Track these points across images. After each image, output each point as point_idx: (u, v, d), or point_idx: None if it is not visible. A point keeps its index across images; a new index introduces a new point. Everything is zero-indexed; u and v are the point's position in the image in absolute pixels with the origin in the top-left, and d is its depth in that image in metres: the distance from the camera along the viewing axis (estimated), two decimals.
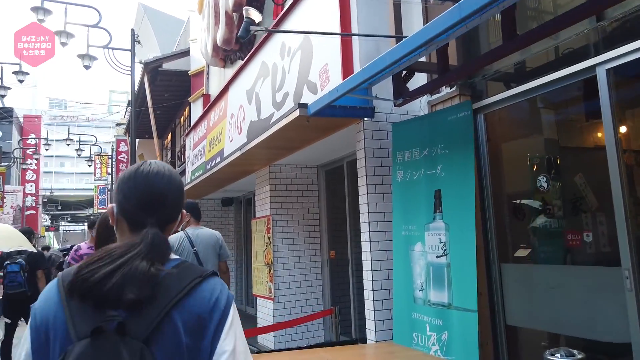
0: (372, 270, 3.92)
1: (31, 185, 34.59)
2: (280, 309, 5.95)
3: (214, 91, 9.35)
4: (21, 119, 35.89)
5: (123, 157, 23.03)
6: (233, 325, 1.01)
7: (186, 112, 13.94)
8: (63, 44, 10.37)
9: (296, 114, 3.76)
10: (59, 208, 46.56)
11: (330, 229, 6.31)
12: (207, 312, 0.98)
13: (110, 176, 27.41)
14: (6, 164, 29.69)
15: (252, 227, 6.78)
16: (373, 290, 3.92)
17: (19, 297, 5.86)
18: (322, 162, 6.32)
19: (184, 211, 1.17)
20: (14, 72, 14.00)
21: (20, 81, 14.03)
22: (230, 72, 8.40)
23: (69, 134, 20.84)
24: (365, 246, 4.02)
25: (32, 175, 34.75)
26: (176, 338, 0.94)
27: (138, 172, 1.09)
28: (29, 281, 6.04)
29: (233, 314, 1.02)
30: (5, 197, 18.98)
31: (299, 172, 6.38)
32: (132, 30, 11.48)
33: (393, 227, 3.87)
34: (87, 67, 10.96)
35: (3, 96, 13.64)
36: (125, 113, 21.76)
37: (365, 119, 3.99)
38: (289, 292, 6.04)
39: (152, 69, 11.66)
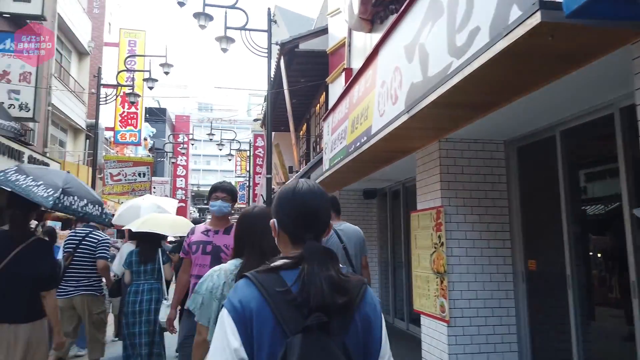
0: None
1: (181, 180, 37.59)
2: (458, 335, 4.32)
3: (357, 64, 8.02)
4: (173, 119, 39.25)
5: (260, 152, 23.26)
6: (385, 328, 1.20)
7: (322, 98, 12.97)
8: (201, 27, 9.98)
9: (535, 19, 2.11)
10: (205, 202, 50.40)
11: (527, 229, 4.50)
12: (373, 314, 1.17)
13: (248, 173, 28.21)
14: (161, 159, 32.50)
15: (411, 223, 5.25)
16: None
17: None
18: (514, 134, 4.53)
19: (330, 223, 1.30)
20: (160, 65, 14.45)
21: (166, 73, 14.41)
22: (377, 36, 6.98)
23: (211, 129, 21.56)
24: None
25: (182, 171, 37.75)
26: (358, 335, 1.12)
27: (295, 192, 1.26)
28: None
29: (383, 318, 1.21)
30: (154, 188, 20.20)
31: (480, 149, 4.67)
32: (269, 9, 10.75)
33: None
34: (224, 50, 10.49)
35: (151, 88, 14.09)
36: (263, 108, 21.89)
37: None
38: (468, 313, 4.38)
39: (288, 50, 10.81)
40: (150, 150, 27.49)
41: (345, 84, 8.16)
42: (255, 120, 24.44)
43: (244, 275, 1.18)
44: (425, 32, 4.60)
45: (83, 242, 5.11)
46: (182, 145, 27.51)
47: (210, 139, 21.61)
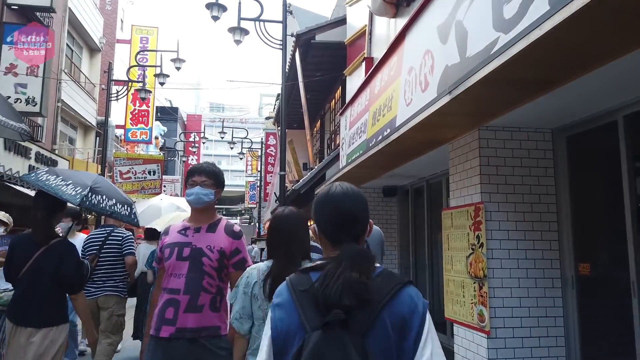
0: None
1: None
2: (500, 348, 3.82)
3: (378, 53, 7.55)
4: (185, 119, 39.06)
5: (271, 151, 22.87)
6: (430, 330, 1.16)
7: (338, 93, 12.52)
8: (214, 18, 9.59)
9: None
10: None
11: (578, 228, 3.99)
12: (409, 314, 1.15)
13: (259, 173, 27.84)
14: (172, 158, 32.33)
15: (442, 221, 4.76)
16: None
17: None
18: (563, 122, 4.02)
19: (371, 221, 1.33)
20: (172, 60, 14.10)
21: (178, 68, 14.06)
22: (402, 21, 6.51)
23: (222, 127, 21.22)
24: None
25: None
26: (386, 335, 1.12)
27: (329, 196, 1.30)
28: None
29: (429, 320, 1.17)
30: (165, 186, 19.90)
31: (524, 138, 4.17)
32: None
33: None
34: (237, 42, 10.08)
35: (162, 83, 13.76)
36: (275, 106, 21.46)
37: None
38: (511, 323, 3.88)
39: (304, 42, 10.37)
40: (161, 149, 27.26)
41: (366, 74, 7.70)
42: (268, 118, 24.07)
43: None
44: (463, 9, 4.12)
45: (107, 241, 4.96)
46: (193, 144, 27.23)
47: (222, 137, 21.26)
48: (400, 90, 5.74)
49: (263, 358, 1.19)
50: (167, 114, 31.67)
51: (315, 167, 10.08)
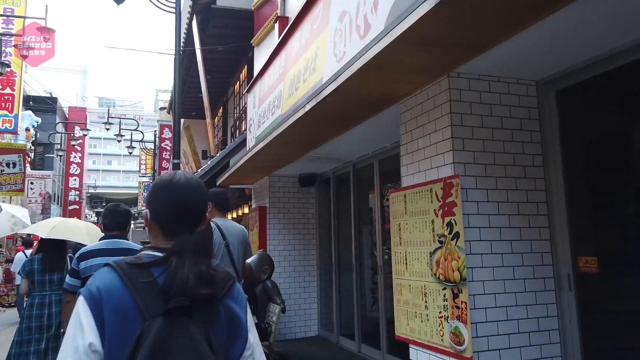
0: None
1: (75, 179, 33.11)
2: None
3: (294, 10, 6.25)
4: (66, 111, 34.53)
5: (167, 145, 20.53)
6: (250, 321, 1.24)
7: (243, 74, 11.03)
8: None
9: None
10: (104, 205, 45.88)
11: (574, 210, 3.00)
12: (239, 306, 1.21)
13: (154, 172, 25.15)
14: (50, 154, 28.21)
15: (391, 207, 3.58)
16: None
17: None
18: (552, 71, 3.03)
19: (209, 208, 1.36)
20: (38, 29, 11.59)
21: (46, 39, 11.59)
22: None
23: (108, 116, 18.51)
24: None
25: (76, 169, 33.35)
26: (221, 324, 1.14)
27: (172, 184, 1.24)
28: None
29: (250, 311, 1.25)
30: (32, 183, 16.73)
31: (504, 91, 3.12)
32: None
33: None
34: (118, 2, 8.19)
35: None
36: (171, 93, 19.23)
37: None
38: (497, 342, 2.78)
39: (203, 6, 8.74)
40: (33, 143, 23.42)
41: (279, 36, 6.36)
42: (162, 108, 21.67)
43: (107, 264, 1.15)
44: None
45: None
46: (73, 137, 23.76)
47: (107, 129, 18.51)
48: (329, 45, 4.48)
49: (88, 338, 1.05)
50: (43, 104, 27.48)
51: (218, 154, 8.51)
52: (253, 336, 1.21)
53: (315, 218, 7.05)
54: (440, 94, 3.01)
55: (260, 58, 8.04)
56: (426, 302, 3.07)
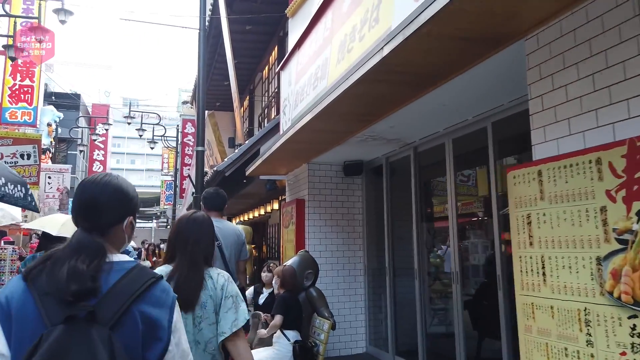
0: None
1: None
2: None
3: None
4: (89, 108, 34.30)
5: (189, 140, 19.73)
6: (178, 322, 1.19)
7: (272, 57, 10.05)
8: None
9: None
10: None
11: None
12: (159, 308, 1.14)
13: (176, 170, 24.48)
14: (73, 151, 27.88)
15: (514, 192, 2.49)
16: None
17: None
18: None
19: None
20: (54, 11, 10.84)
21: (62, 22, 10.81)
22: None
23: (130, 111, 17.81)
24: None
25: (99, 167, 33.03)
26: (135, 327, 1.09)
27: (83, 181, 1.26)
28: None
29: (177, 312, 1.19)
30: (50, 177, 16.06)
31: None
32: None
33: None
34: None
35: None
36: (194, 87, 18.44)
37: None
38: None
39: None
40: (55, 139, 22.99)
41: None
42: (184, 102, 20.93)
43: (20, 271, 1.15)
44: None
45: None
46: (95, 132, 23.24)
47: (129, 123, 17.81)
48: None
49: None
50: (67, 99, 27.12)
51: (247, 142, 7.54)
52: (177, 339, 1.17)
53: (362, 213, 5.99)
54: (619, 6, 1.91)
55: (295, 30, 7.03)
56: (589, 334, 1.98)
